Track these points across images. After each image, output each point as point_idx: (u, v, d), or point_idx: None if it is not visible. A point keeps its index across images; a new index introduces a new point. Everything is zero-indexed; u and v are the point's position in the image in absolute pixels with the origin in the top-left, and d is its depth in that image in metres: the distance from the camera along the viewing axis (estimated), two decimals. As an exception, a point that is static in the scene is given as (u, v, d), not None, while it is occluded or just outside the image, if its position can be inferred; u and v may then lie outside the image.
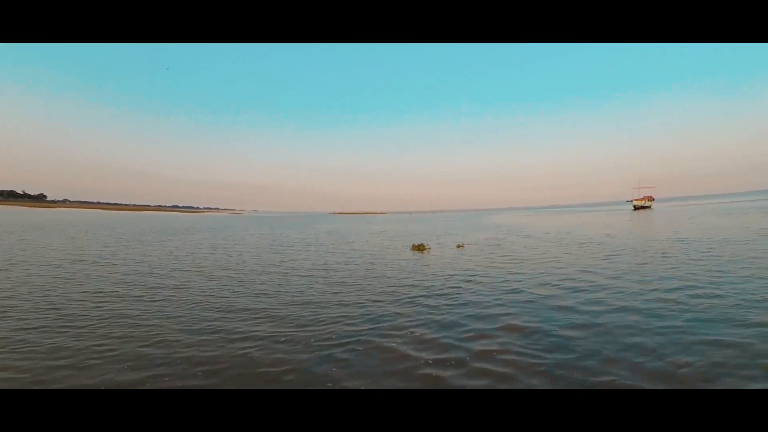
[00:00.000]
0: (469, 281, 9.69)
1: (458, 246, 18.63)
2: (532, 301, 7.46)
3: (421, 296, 8.19)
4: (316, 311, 7.17)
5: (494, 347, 5.22)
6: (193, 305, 7.60)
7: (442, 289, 8.88)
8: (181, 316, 6.83)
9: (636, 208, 68.58)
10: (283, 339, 5.71)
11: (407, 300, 7.91)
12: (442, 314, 6.84)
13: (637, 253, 13.22)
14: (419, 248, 17.65)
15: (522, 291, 8.35)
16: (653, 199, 76.00)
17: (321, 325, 6.33)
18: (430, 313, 6.91)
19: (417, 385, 4.30)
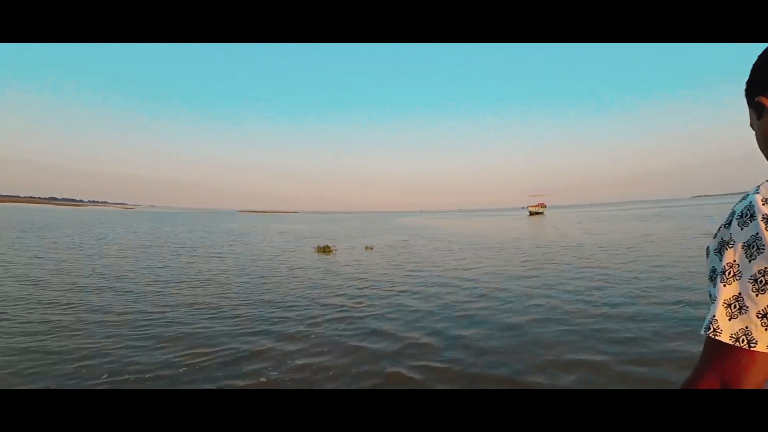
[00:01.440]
0: (374, 288, 8.50)
1: (367, 248, 17.54)
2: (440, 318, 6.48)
3: (317, 313, 6.76)
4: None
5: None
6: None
7: (343, 300, 7.54)
8: None
9: (531, 213, 74.89)
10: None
11: (298, 318, 6.42)
12: (342, 332, 5.48)
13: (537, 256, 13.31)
14: (325, 250, 16.18)
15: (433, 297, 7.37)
16: (545, 206, 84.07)
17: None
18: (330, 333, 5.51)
19: None
